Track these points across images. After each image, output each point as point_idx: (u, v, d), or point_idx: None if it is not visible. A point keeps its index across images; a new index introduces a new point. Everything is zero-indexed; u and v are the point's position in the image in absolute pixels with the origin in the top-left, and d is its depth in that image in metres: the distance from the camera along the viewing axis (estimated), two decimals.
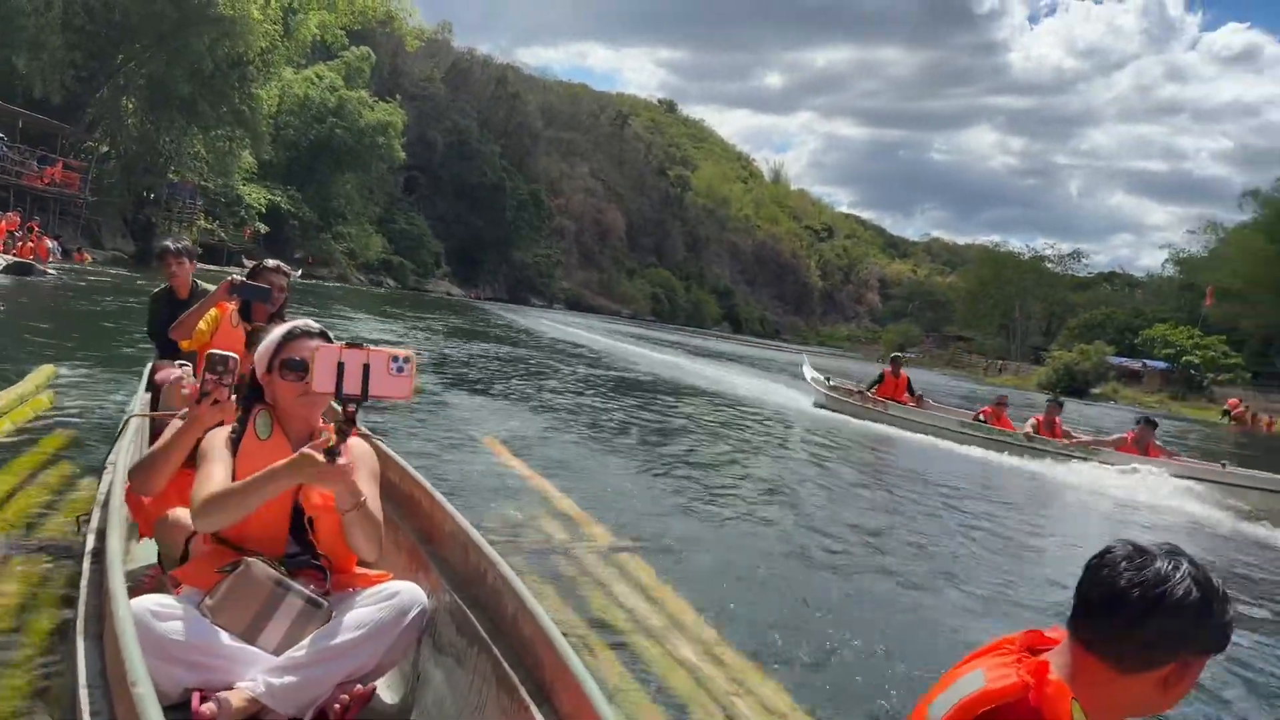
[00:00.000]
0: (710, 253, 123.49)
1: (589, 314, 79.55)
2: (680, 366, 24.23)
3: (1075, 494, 10.48)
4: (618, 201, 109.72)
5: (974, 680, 1.37)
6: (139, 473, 2.58)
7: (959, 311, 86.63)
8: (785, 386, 19.56)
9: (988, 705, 1.32)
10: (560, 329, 38.15)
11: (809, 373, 17.83)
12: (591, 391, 14.58)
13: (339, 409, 2.13)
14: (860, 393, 15.29)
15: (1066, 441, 12.16)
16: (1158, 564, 1.33)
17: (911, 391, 15.11)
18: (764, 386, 20.07)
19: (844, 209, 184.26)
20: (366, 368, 2.05)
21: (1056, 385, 45.43)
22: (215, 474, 2.22)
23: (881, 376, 15.35)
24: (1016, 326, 72.10)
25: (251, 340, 3.19)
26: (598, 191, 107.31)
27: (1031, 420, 12.85)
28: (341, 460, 2.07)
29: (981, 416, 13.59)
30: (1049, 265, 77.80)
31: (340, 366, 2.04)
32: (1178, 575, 1.31)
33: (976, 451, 12.72)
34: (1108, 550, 1.38)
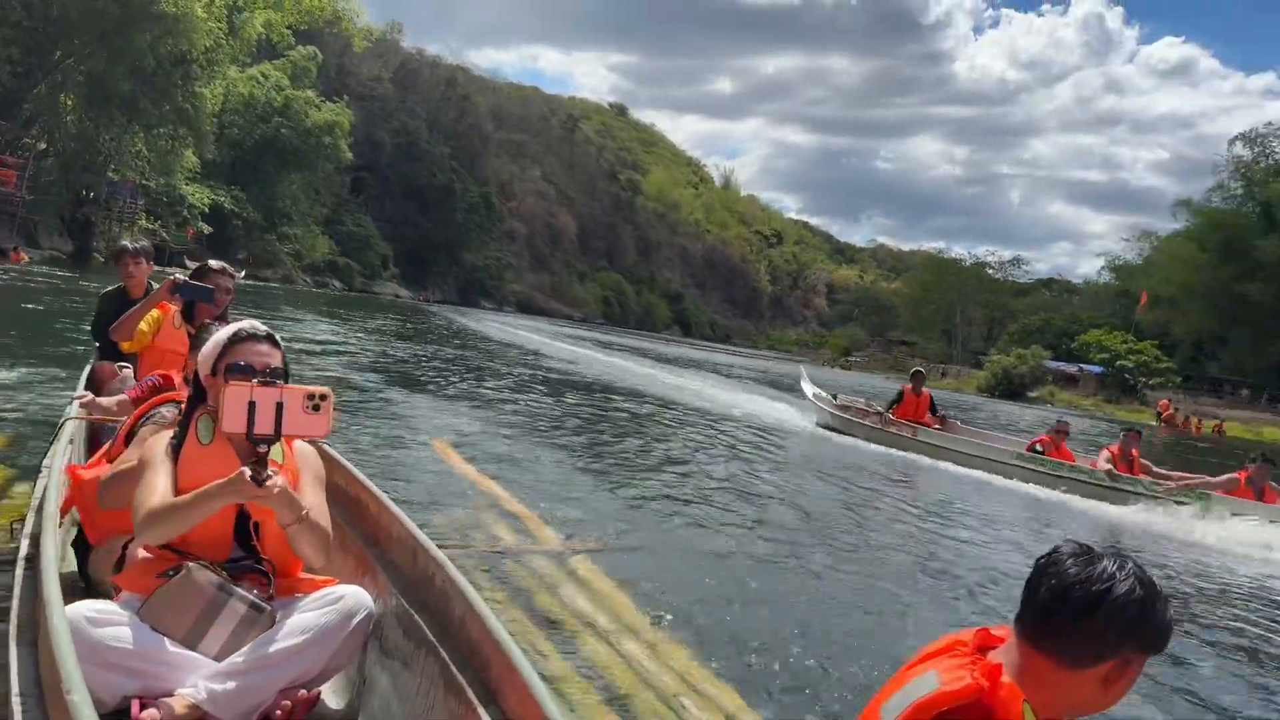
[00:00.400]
0: (661, 257, 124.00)
1: (540, 317, 79.30)
2: (652, 376, 23.53)
3: (1205, 556, 7.96)
4: (569, 205, 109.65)
5: (928, 681, 1.39)
6: (110, 489, 2.53)
7: (903, 317, 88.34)
8: (787, 404, 18.02)
9: (942, 707, 1.34)
10: (511, 332, 37.98)
11: (809, 388, 15.91)
12: (545, 396, 14.54)
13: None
14: (878, 414, 13.33)
15: (1170, 484, 9.92)
16: (1103, 562, 1.37)
17: (934, 411, 13.28)
18: (751, 401, 18.64)
19: (793, 215, 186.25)
20: (280, 406, 2.00)
21: (995, 389, 46.48)
22: (157, 485, 2.18)
23: (900, 395, 13.40)
24: (958, 331, 73.60)
25: (196, 342, 3.13)
26: (549, 194, 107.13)
27: (1106, 453, 10.73)
28: (273, 482, 2.04)
29: (1039, 447, 11.33)
30: (990, 272, 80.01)
31: (252, 405, 1.98)
32: (1121, 574, 1.36)
33: (1032, 489, 10.64)
34: (1055, 549, 1.42)
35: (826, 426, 14.44)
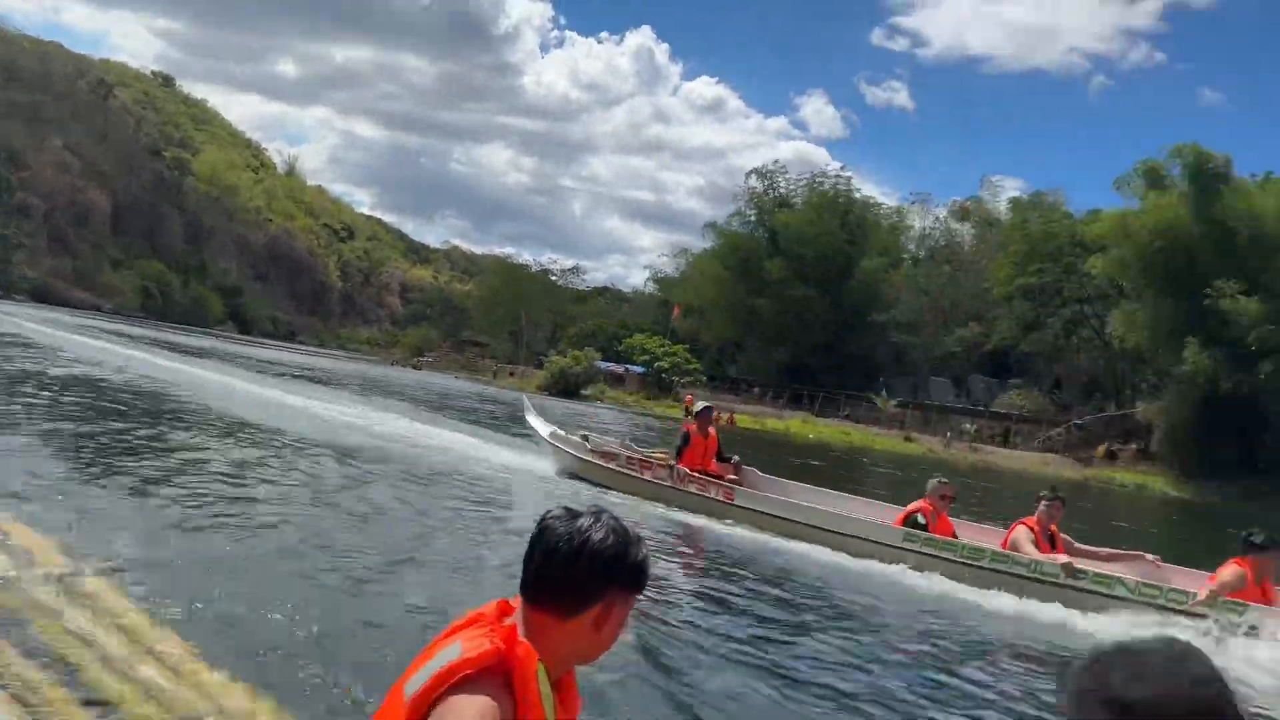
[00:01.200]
0: (215, 245, 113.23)
1: (61, 308, 68.35)
2: (201, 378, 21.59)
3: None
4: (100, 181, 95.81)
5: (452, 651, 1.46)
6: None
7: (475, 318, 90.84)
8: (402, 420, 16.20)
9: (464, 671, 1.43)
10: (15, 324, 32.39)
11: (542, 426, 12.71)
12: (57, 400, 12.79)
13: None
14: (668, 466, 10.55)
15: (1193, 594, 6.95)
16: (582, 518, 1.55)
17: (723, 458, 10.70)
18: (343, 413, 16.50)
19: (365, 210, 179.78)
20: None
21: (553, 387, 49.75)
22: None
23: (686, 438, 10.65)
24: (524, 333, 77.31)
25: None
26: (74, 167, 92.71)
27: (1024, 529, 7.93)
28: None
29: (919, 517, 8.53)
30: (553, 279, 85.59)
31: None
32: (597, 525, 1.54)
33: (920, 579, 7.92)
34: (544, 516, 1.59)
35: (576, 476, 11.55)
